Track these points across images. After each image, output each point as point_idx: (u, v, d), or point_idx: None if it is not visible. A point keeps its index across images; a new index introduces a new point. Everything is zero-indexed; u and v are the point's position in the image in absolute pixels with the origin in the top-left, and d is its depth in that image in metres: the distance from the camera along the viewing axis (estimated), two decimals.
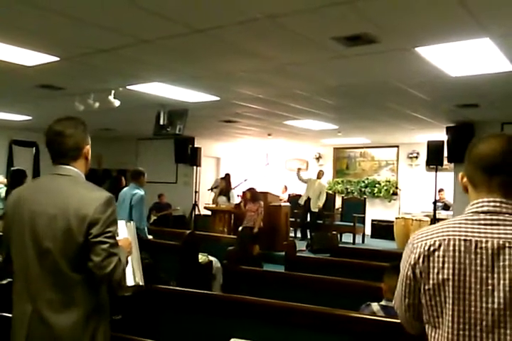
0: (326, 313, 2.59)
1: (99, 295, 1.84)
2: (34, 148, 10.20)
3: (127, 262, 1.92)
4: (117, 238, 2.00)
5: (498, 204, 1.31)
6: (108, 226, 1.76)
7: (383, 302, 2.63)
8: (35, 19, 3.48)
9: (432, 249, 1.32)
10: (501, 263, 1.24)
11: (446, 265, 1.29)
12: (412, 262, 1.36)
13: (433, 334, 1.34)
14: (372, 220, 11.32)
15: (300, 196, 10.70)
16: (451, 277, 1.28)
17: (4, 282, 2.89)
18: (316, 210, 10.13)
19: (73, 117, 1.96)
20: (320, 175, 10.55)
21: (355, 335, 2.44)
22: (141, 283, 1.98)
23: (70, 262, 1.75)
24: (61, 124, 1.89)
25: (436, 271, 1.31)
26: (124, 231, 2.04)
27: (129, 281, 1.94)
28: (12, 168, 8.31)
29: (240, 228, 7.70)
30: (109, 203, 1.80)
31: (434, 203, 8.42)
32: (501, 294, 1.23)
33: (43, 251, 1.76)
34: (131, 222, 2.10)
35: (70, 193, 1.81)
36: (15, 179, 6.35)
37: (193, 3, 3.09)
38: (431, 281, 1.32)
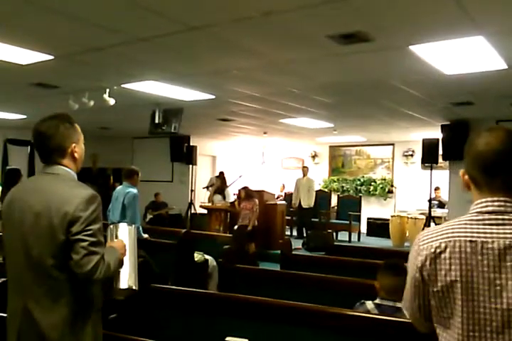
0: (321, 311, 2.60)
1: (88, 292, 1.83)
2: (29, 147, 10.13)
3: (121, 264, 1.90)
4: (114, 240, 1.99)
5: (502, 203, 1.29)
6: (89, 224, 1.73)
7: (377, 301, 2.63)
8: (29, 17, 3.46)
9: (438, 251, 1.31)
10: (508, 264, 1.23)
11: (453, 267, 1.28)
12: (420, 265, 1.34)
13: (444, 335, 1.33)
14: (368, 218, 11.35)
15: None
16: (458, 279, 1.27)
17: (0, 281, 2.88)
18: (307, 207, 10.10)
19: (58, 115, 1.92)
20: (305, 171, 10.54)
21: (349, 333, 2.44)
22: (134, 287, 1.94)
23: (54, 260, 1.74)
24: (43, 125, 1.88)
25: (443, 273, 1.30)
26: (125, 234, 2.01)
27: (123, 284, 1.91)
28: (7, 167, 8.26)
29: (236, 226, 7.70)
30: (91, 201, 1.77)
31: (430, 201, 8.44)
32: (510, 294, 1.22)
33: (29, 250, 1.76)
34: (133, 226, 2.07)
35: (53, 191, 1.80)
36: (9, 178, 6.33)
37: (189, 0, 3.08)
38: (439, 283, 1.31)
